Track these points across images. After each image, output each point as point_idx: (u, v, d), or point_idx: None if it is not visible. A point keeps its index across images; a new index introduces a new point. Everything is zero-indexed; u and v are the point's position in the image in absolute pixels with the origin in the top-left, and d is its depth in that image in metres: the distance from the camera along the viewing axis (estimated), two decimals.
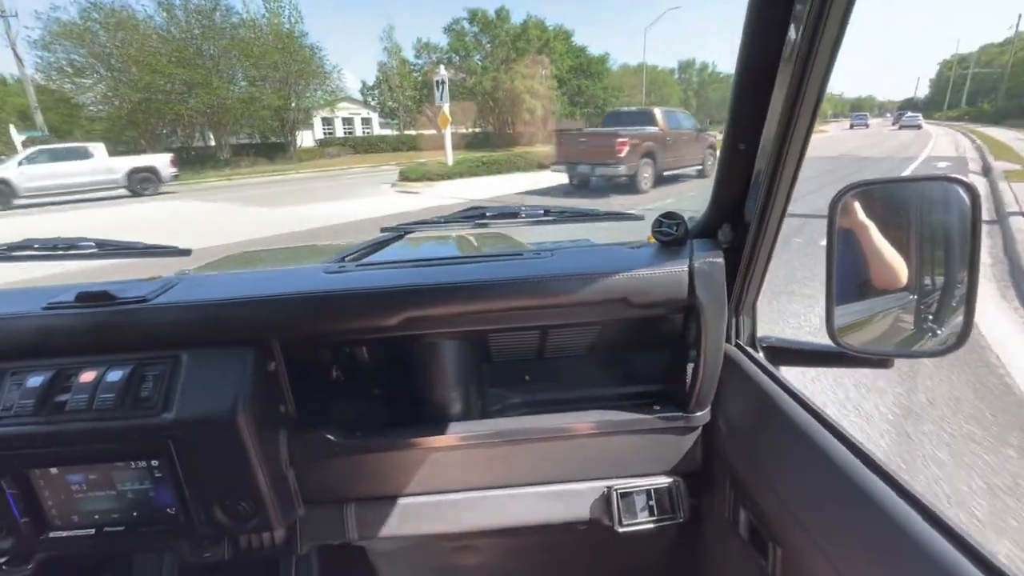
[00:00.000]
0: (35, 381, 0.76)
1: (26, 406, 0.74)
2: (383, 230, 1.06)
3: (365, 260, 0.95)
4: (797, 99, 0.66)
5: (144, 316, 0.79)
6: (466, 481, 0.94)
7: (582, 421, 0.93)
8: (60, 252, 0.99)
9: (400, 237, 1.08)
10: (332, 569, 1.13)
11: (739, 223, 0.86)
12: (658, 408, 0.93)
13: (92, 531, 0.80)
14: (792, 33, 0.63)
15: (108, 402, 0.74)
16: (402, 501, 0.94)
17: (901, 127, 38.08)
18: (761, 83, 0.69)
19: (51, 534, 0.80)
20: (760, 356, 0.93)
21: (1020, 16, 54.98)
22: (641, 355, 1.05)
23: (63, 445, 0.75)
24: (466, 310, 0.81)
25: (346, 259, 0.99)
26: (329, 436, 0.89)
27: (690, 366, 0.89)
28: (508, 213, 1.04)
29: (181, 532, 0.81)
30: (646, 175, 10.35)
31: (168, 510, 0.79)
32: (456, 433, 0.91)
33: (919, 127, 37.07)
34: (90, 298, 0.80)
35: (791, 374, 0.89)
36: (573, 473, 0.95)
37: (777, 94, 0.68)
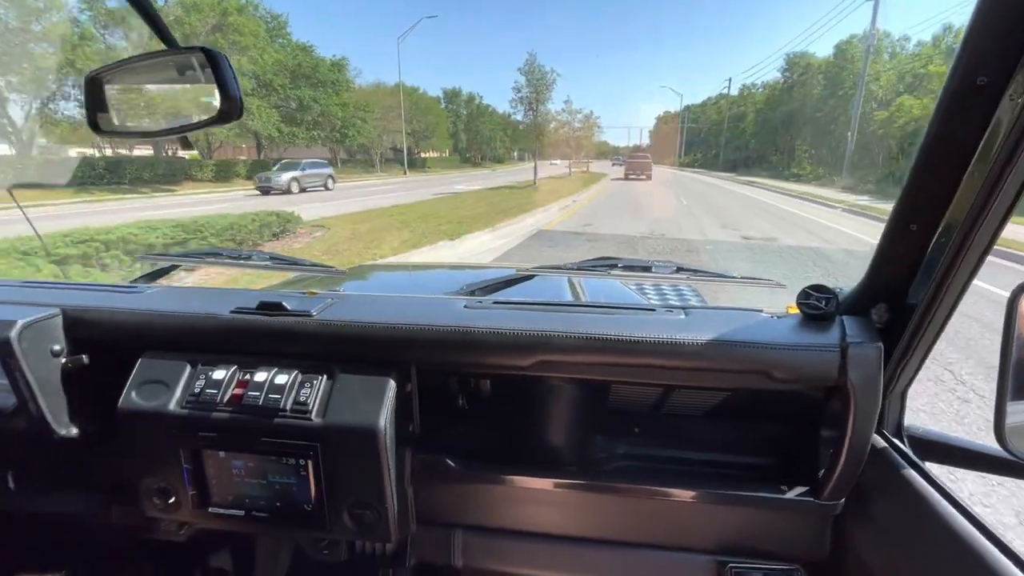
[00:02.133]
0: (219, 374, 0.88)
1: (212, 395, 0.86)
2: (520, 270, 1.13)
3: (500, 298, 1.00)
4: (997, 187, 0.62)
5: (309, 328, 0.90)
6: (572, 527, 0.95)
7: (696, 485, 0.90)
8: (240, 261, 1.20)
9: (530, 278, 1.14)
10: None
11: (897, 304, 0.82)
12: (785, 488, 0.88)
13: (242, 513, 0.90)
14: (1003, 120, 0.59)
15: (274, 402, 0.84)
16: (507, 536, 0.97)
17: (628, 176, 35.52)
18: (953, 167, 0.66)
19: (211, 509, 0.91)
20: (907, 448, 0.86)
21: (730, 79, 69.97)
22: (763, 425, 1.01)
23: (234, 434, 0.86)
24: (599, 361, 0.83)
25: (476, 292, 1.07)
26: (449, 461, 0.93)
27: (822, 447, 0.85)
28: (640, 267, 1.07)
29: (311, 529, 0.90)
30: None
31: (304, 506, 0.87)
32: (566, 476, 0.92)
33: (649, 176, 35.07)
34: (268, 307, 0.92)
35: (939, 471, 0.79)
36: (680, 539, 0.94)
37: (972, 180, 0.65)
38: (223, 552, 1.30)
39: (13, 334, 0.89)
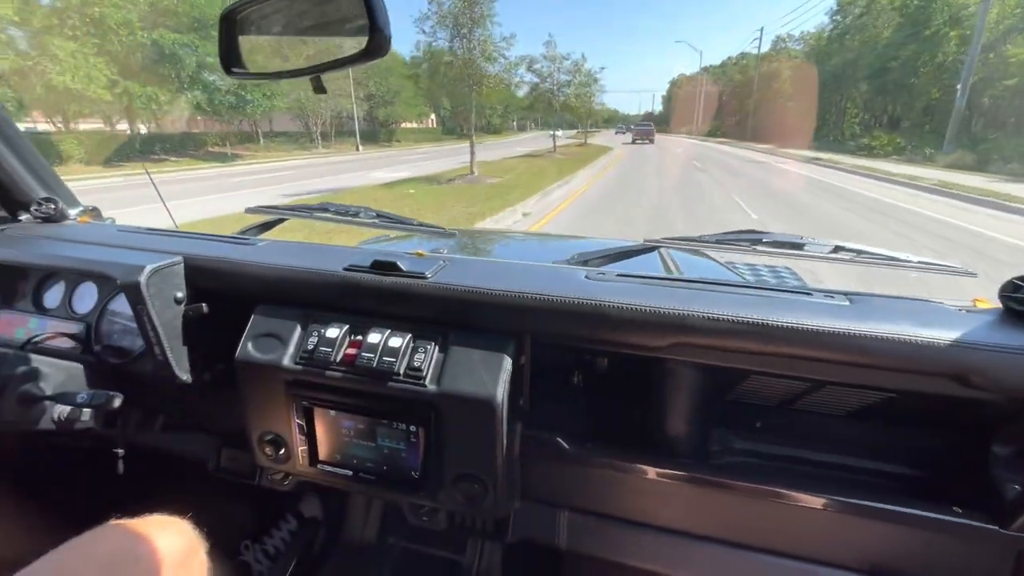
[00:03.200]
0: (333, 333, 0.92)
1: (325, 354, 0.90)
2: (647, 240, 1.15)
3: (623, 271, 1.00)
4: None
5: (423, 291, 0.92)
6: (682, 521, 0.96)
7: (826, 491, 0.86)
8: (348, 217, 1.28)
9: (653, 250, 1.14)
10: (533, 566, 1.23)
11: None
12: (959, 511, 0.81)
13: (350, 473, 0.95)
14: None
15: (388, 365, 0.87)
16: (614, 523, 1.00)
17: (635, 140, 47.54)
18: None
19: (319, 465, 0.97)
20: None
21: (762, 30, 57.88)
22: (916, 431, 0.94)
23: (346, 394, 0.91)
24: (745, 348, 0.79)
25: (591, 262, 1.10)
26: (559, 439, 0.96)
27: (1001, 467, 0.80)
28: (790, 243, 1.04)
29: (416, 496, 0.94)
30: None
31: (412, 473, 0.92)
32: (680, 467, 0.91)
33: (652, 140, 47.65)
34: (383, 267, 0.95)
35: None
36: (806, 549, 0.90)
37: None
38: (319, 502, 1.43)
39: (143, 278, 0.96)
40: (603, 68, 39.71)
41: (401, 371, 0.87)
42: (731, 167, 21.88)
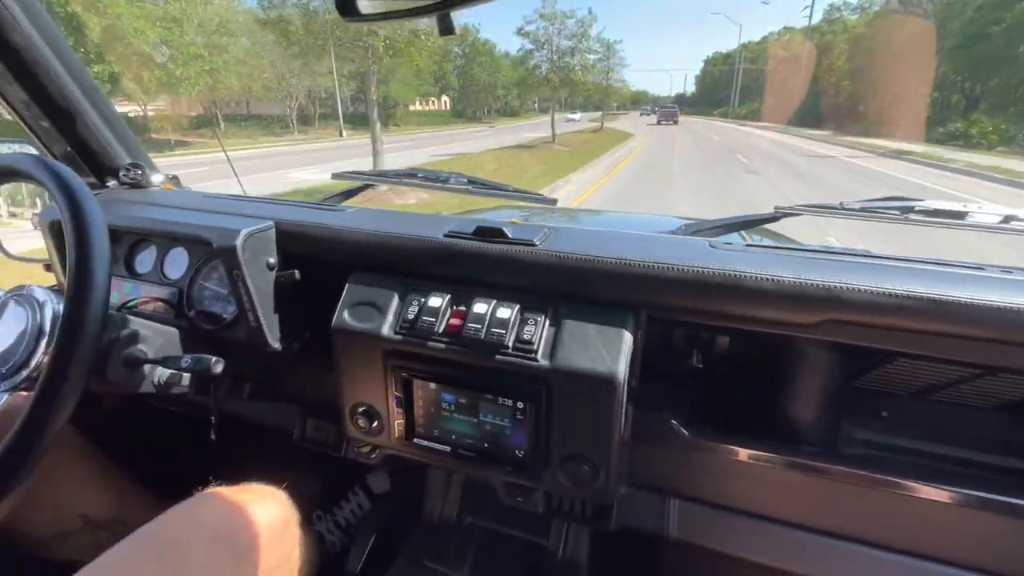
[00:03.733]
0: (435, 302, 0.91)
1: (427, 324, 0.90)
2: (778, 208, 1.08)
3: (750, 241, 0.99)
4: None
5: (532, 259, 0.89)
6: (804, 514, 0.93)
7: (970, 489, 0.81)
8: (438, 183, 1.26)
9: (776, 219, 1.09)
10: (626, 554, 1.22)
11: None
12: None
13: (448, 449, 0.95)
14: None
15: (497, 337, 0.85)
16: (729, 514, 0.97)
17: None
18: None
19: (415, 440, 0.97)
20: None
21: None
22: None
23: (448, 366, 0.90)
24: (912, 327, 0.74)
25: (705, 231, 1.07)
26: (673, 422, 0.94)
27: None
28: (951, 212, 0.96)
29: (518, 476, 0.94)
30: None
31: (516, 451, 0.91)
32: (808, 456, 0.88)
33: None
34: (488, 233, 0.94)
35: None
36: (938, 550, 0.86)
37: None
38: (388, 477, 1.44)
39: (239, 243, 0.98)
40: (619, 41, 36.46)
41: (510, 344, 0.85)
42: (796, 168, 16.71)
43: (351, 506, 1.57)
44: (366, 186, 1.43)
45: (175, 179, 1.52)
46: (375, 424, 0.99)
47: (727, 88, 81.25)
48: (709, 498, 0.98)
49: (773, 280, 0.77)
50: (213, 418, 1.11)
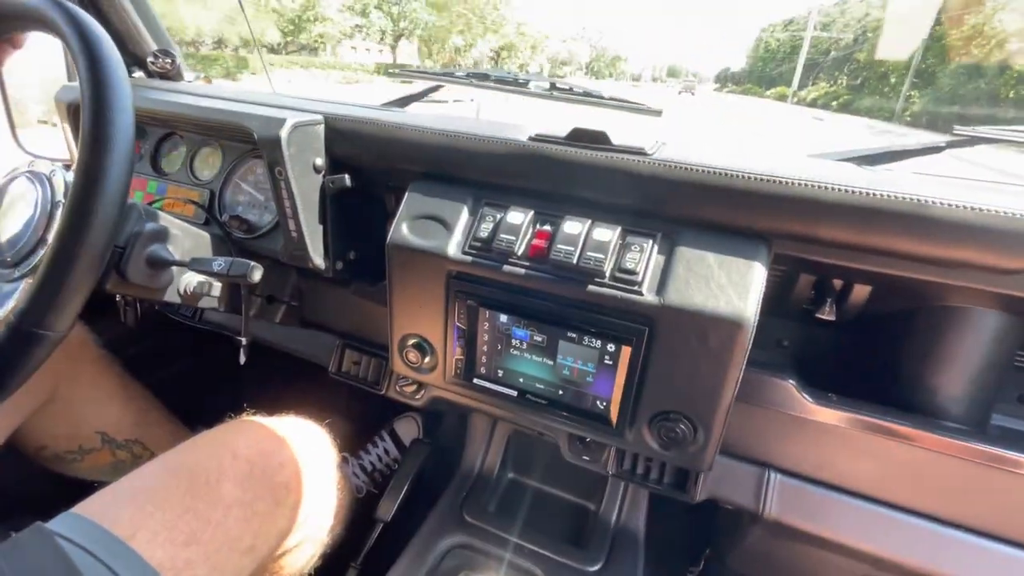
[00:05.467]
0: (516, 217, 0.78)
1: (505, 243, 0.76)
2: (956, 131, 0.90)
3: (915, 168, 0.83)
4: None
5: (641, 170, 0.74)
6: (938, 503, 0.81)
7: None
8: (516, 87, 1.08)
9: (940, 150, 0.90)
10: (700, 529, 1.12)
11: None
12: None
13: (515, 393, 0.84)
14: None
15: (593, 263, 0.72)
16: (848, 497, 0.84)
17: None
18: None
19: (475, 380, 0.86)
20: None
21: None
22: None
23: (525, 295, 0.77)
24: None
25: (852, 159, 0.87)
26: (791, 382, 0.80)
27: None
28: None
29: (597, 431, 0.82)
30: None
31: (598, 403, 0.79)
32: (956, 435, 0.76)
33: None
34: (586, 137, 0.79)
35: None
36: None
37: None
38: (417, 422, 1.38)
39: (284, 133, 0.84)
40: None
41: (607, 271, 0.71)
42: None
43: (377, 450, 1.50)
44: (429, 89, 1.25)
45: (208, 79, 1.38)
46: (427, 359, 0.87)
47: (785, 62, 70.91)
48: (821, 476, 0.86)
49: (974, 209, 0.61)
50: (244, 339, 0.99)
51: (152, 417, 1.27)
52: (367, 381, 1.12)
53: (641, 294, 0.70)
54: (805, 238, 0.71)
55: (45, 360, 0.63)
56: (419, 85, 1.26)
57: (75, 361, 1.11)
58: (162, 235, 0.84)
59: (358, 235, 1.00)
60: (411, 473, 1.26)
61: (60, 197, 0.74)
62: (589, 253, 0.72)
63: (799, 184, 0.67)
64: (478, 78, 1.18)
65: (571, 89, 1.10)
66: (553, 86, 1.11)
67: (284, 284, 1.11)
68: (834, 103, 41.59)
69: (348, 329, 1.16)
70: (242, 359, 0.99)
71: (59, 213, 0.72)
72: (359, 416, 1.50)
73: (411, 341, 0.88)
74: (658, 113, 1.10)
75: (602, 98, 1.09)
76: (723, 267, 0.69)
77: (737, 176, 0.70)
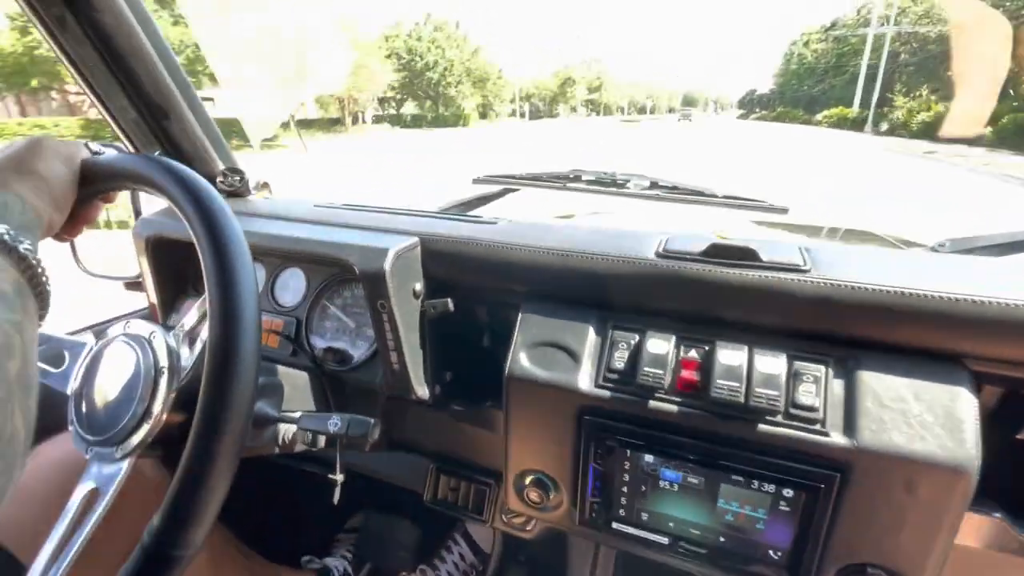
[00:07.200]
0: (658, 346, 0.70)
1: (650, 376, 0.68)
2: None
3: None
4: None
5: (805, 292, 0.67)
6: None
7: None
8: (613, 188, 1.02)
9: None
10: None
11: None
12: None
13: (666, 541, 0.74)
14: None
15: (767, 401, 0.64)
16: None
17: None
18: None
19: (615, 524, 0.76)
20: None
21: None
22: None
23: (675, 432, 0.69)
24: None
25: (972, 252, 0.85)
26: (996, 515, 0.69)
27: None
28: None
29: None
30: None
31: (771, 552, 0.69)
32: None
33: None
34: (728, 254, 0.71)
35: None
36: None
37: None
38: (498, 535, 1.25)
39: (388, 266, 0.79)
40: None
41: (781, 408, 0.64)
42: None
43: (453, 557, 1.38)
44: (505, 191, 1.20)
45: (266, 185, 1.35)
46: (552, 497, 0.80)
47: (830, 76, 52.91)
48: None
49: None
50: (339, 478, 0.89)
51: (227, 554, 1.17)
52: (468, 510, 1.03)
53: (827, 434, 0.62)
54: (1016, 361, 0.62)
55: None
56: (482, 187, 1.19)
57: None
58: (265, 388, 0.78)
59: (453, 356, 0.94)
60: None
61: (163, 363, 0.67)
62: (759, 390, 0.64)
63: (1006, 305, 0.59)
64: (570, 180, 1.11)
65: (676, 188, 1.03)
66: (654, 184, 1.03)
67: (374, 411, 1.05)
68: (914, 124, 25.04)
69: (439, 450, 1.08)
70: (335, 498, 0.89)
71: (163, 381, 0.65)
72: (420, 515, 1.35)
73: (530, 478, 0.81)
74: (784, 211, 1.02)
75: (715, 196, 1.01)
76: (920, 399, 0.61)
77: (927, 297, 0.62)
